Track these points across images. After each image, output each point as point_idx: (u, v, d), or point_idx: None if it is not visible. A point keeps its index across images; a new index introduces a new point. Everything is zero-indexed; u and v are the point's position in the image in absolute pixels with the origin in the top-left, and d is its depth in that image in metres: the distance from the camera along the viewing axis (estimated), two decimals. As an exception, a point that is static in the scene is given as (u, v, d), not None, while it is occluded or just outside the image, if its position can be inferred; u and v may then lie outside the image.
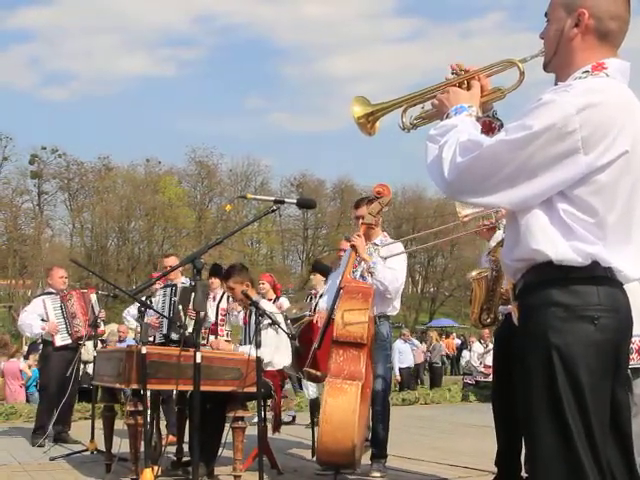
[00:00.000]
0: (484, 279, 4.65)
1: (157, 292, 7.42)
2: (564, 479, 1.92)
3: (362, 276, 5.20)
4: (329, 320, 4.79)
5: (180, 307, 6.78)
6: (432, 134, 2.15)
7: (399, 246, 5.51)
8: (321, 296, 7.46)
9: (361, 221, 5.23)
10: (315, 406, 8.47)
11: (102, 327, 7.79)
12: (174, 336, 6.76)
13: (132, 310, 8.51)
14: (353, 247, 5.10)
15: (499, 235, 4.72)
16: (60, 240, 55.05)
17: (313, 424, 6.20)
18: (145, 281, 9.76)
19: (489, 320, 4.69)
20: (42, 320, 7.38)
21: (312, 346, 4.84)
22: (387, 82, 70.03)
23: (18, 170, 51.97)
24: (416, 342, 18.33)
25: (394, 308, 5.38)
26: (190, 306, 6.44)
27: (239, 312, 7.22)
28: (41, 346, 7.86)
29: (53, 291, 7.66)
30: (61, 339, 7.32)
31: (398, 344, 18.19)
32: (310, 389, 8.43)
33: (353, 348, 4.63)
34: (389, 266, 5.22)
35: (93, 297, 7.70)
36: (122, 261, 52.67)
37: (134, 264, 51.26)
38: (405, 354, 17.38)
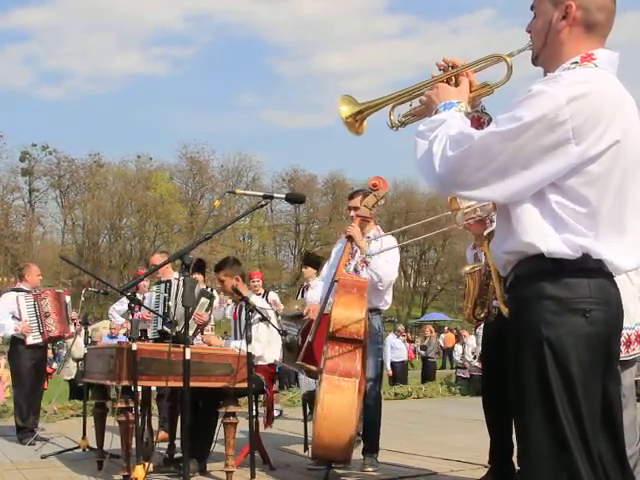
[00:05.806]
0: (477, 273, 4.63)
1: (151, 288, 7.38)
2: (556, 471, 1.92)
3: (355, 269, 5.19)
4: (322, 313, 4.78)
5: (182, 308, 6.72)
6: (421, 130, 2.13)
7: (391, 240, 5.49)
8: (307, 288, 7.44)
9: (356, 213, 5.22)
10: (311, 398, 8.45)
11: (72, 330, 7.71)
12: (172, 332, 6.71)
13: (118, 307, 8.54)
14: (349, 237, 5.09)
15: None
16: (52, 237, 55.05)
17: (306, 419, 6.18)
18: (133, 277, 9.77)
19: (483, 315, 4.67)
20: (13, 317, 7.22)
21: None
22: (381, 77, 70.40)
23: (9, 167, 52.01)
24: (400, 343, 18.24)
25: (386, 303, 5.38)
26: (196, 310, 6.40)
27: (227, 305, 7.19)
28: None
29: (25, 288, 7.44)
30: (32, 338, 7.20)
31: (391, 338, 18.19)
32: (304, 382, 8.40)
33: (349, 344, 4.61)
34: (384, 259, 5.22)
35: (67, 298, 7.62)
36: (114, 258, 52.65)
37: (126, 261, 51.23)
38: (399, 349, 17.40)
